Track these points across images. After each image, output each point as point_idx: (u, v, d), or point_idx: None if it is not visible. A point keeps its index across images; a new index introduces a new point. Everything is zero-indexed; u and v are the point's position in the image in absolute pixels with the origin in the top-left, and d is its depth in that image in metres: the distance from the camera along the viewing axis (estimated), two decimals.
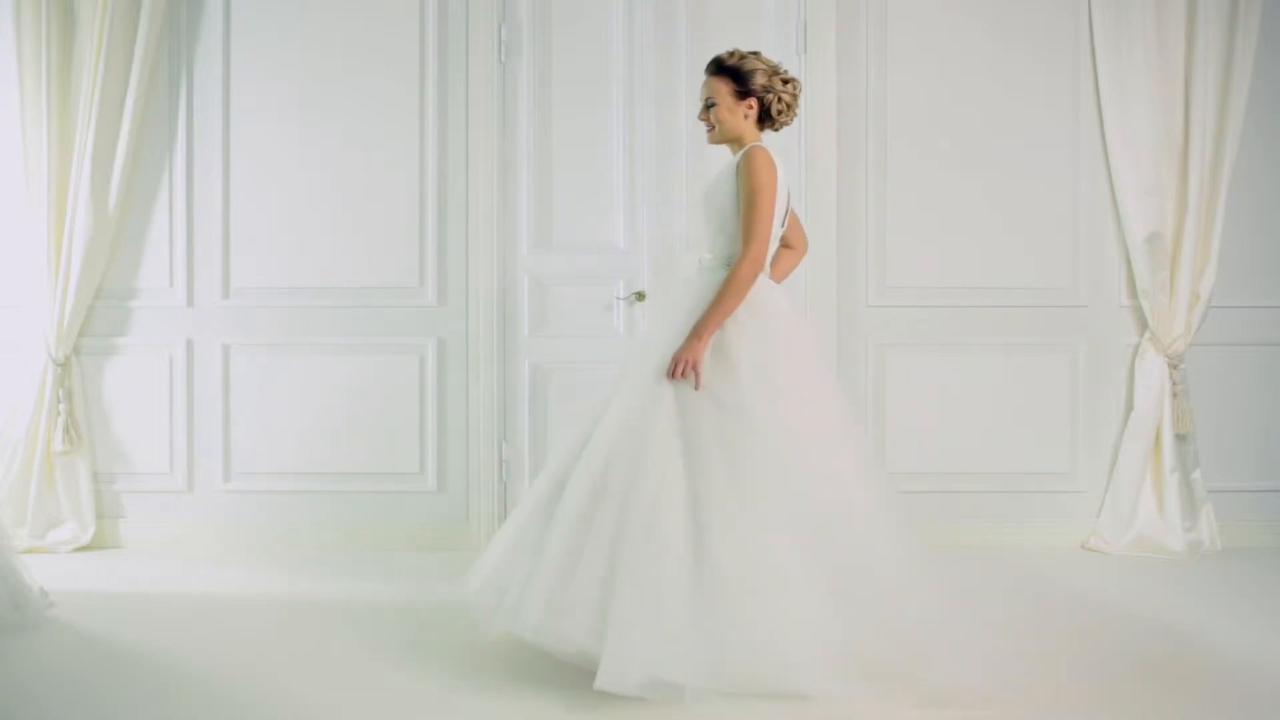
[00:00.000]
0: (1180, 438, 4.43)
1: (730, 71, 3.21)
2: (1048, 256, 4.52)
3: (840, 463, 3.02)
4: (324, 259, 4.50)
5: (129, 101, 4.37)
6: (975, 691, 2.73)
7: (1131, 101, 4.39)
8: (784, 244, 3.37)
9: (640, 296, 4.48)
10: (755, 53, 3.25)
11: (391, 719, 2.74)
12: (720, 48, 4.35)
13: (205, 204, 4.50)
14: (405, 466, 4.52)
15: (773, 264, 3.31)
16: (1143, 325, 4.49)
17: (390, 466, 4.52)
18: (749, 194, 3.08)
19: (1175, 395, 4.42)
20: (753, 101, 3.20)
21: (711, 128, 3.25)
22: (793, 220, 3.37)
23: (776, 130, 3.29)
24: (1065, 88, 4.50)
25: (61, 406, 4.40)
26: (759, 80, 3.19)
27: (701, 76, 3.11)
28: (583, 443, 3.07)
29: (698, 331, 3.02)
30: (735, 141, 3.24)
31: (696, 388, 2.98)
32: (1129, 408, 4.51)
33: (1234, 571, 4.14)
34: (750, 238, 3.07)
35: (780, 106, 3.21)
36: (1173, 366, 4.43)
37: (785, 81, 3.22)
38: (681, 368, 2.99)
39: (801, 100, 3.31)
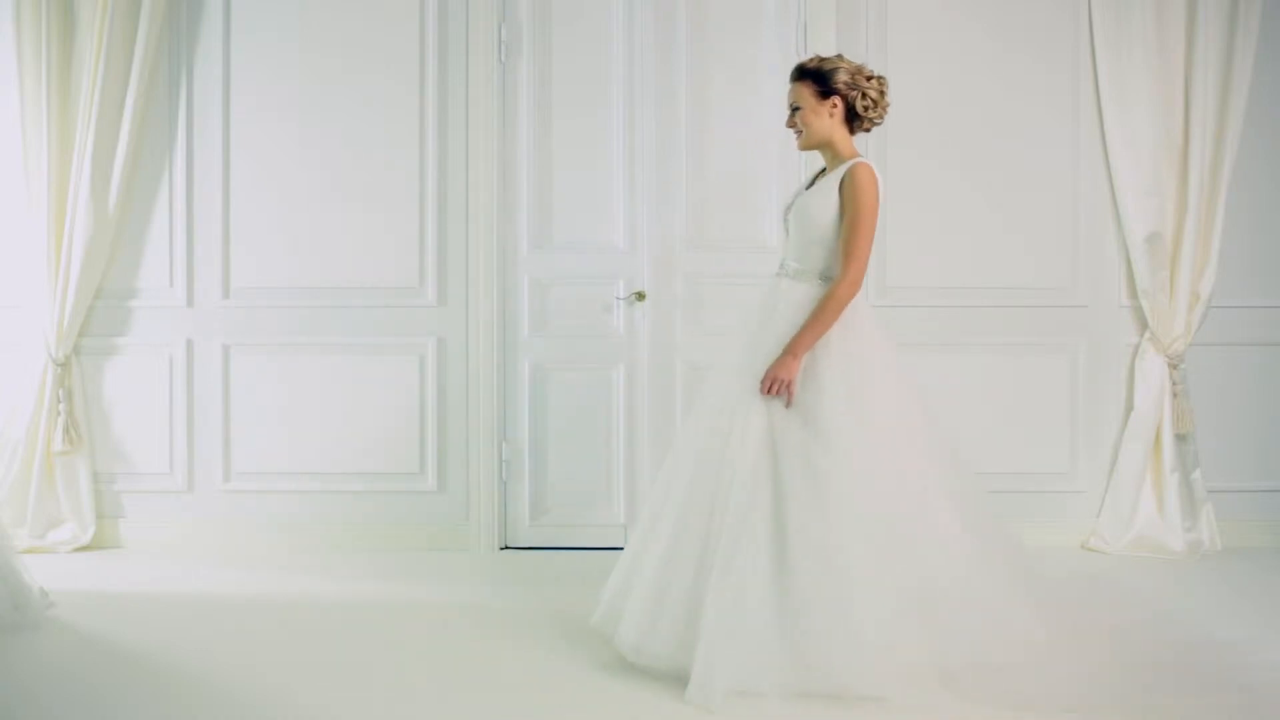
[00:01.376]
0: (1180, 438, 4.43)
1: (811, 74, 3.16)
2: (1048, 256, 4.52)
3: (925, 481, 3.01)
4: (324, 259, 4.50)
5: (129, 101, 4.37)
6: (1054, 703, 2.74)
7: (1131, 101, 4.39)
8: None
9: (640, 296, 4.48)
10: (838, 55, 3.21)
11: (391, 719, 2.74)
12: (720, 48, 4.38)
13: (205, 204, 4.50)
14: (405, 466, 4.52)
15: None
16: (1143, 325, 4.49)
17: (390, 466, 4.51)
18: (854, 215, 3.04)
19: (1175, 395, 4.42)
20: (836, 100, 3.15)
21: (800, 133, 3.21)
22: None
23: (868, 130, 3.23)
24: (1065, 88, 4.50)
25: (61, 406, 4.40)
26: (840, 78, 3.13)
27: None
28: (684, 460, 3.12)
29: (793, 349, 3.01)
30: (826, 146, 3.20)
31: (788, 405, 2.98)
32: (1129, 408, 4.51)
33: (1234, 571, 4.14)
34: (852, 259, 3.04)
35: (866, 102, 3.15)
36: (1173, 366, 4.43)
37: (869, 78, 3.16)
38: (776, 386, 2.99)
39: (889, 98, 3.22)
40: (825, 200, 3.10)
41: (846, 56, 3.23)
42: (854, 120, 3.19)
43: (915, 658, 2.78)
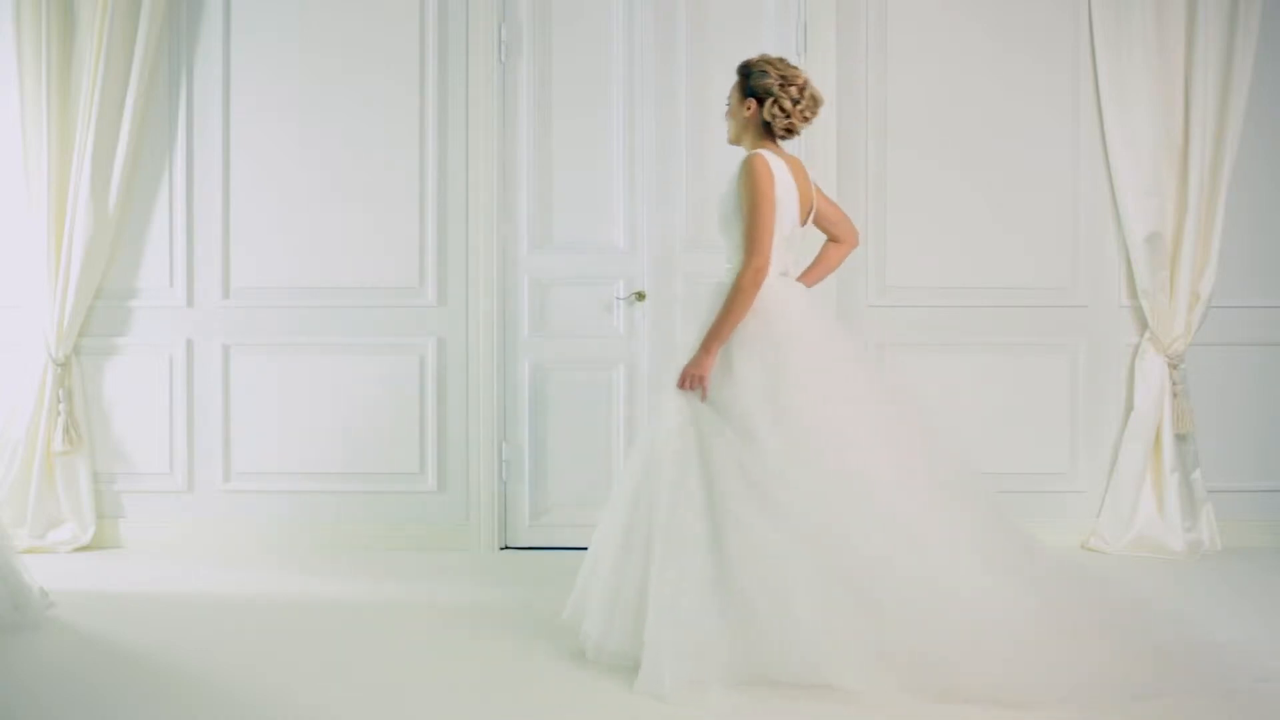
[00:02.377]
0: (1180, 438, 4.42)
1: (740, 72, 3.24)
2: (1048, 256, 4.52)
3: (872, 468, 2.98)
4: (324, 259, 4.50)
5: (129, 101, 4.37)
6: (1006, 695, 2.73)
7: (1131, 101, 4.39)
8: (831, 238, 3.40)
9: (640, 296, 4.48)
10: (779, 60, 3.21)
11: (390, 719, 2.74)
12: (720, 48, 4.38)
13: (205, 204, 4.50)
14: (405, 466, 4.52)
15: (818, 259, 3.40)
16: (1143, 325, 4.49)
17: (390, 466, 4.51)
18: (749, 204, 3.09)
19: (1175, 395, 4.42)
20: (750, 103, 3.19)
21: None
22: (834, 213, 3.37)
23: (785, 137, 3.23)
24: (1065, 88, 4.50)
25: (61, 406, 4.40)
26: (758, 82, 3.17)
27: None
28: (635, 458, 3.19)
29: (704, 343, 3.07)
30: (740, 143, 3.26)
31: (703, 399, 3.03)
32: (1129, 408, 4.51)
33: (1234, 571, 4.14)
34: (749, 248, 3.08)
35: (775, 110, 3.16)
36: (1173, 366, 4.43)
37: (794, 87, 3.16)
38: (689, 381, 3.05)
39: (817, 110, 3.21)
40: (725, 194, 3.19)
41: (791, 63, 3.21)
42: (769, 125, 3.20)
43: (854, 644, 2.78)
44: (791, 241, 3.21)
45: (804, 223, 3.25)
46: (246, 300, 4.52)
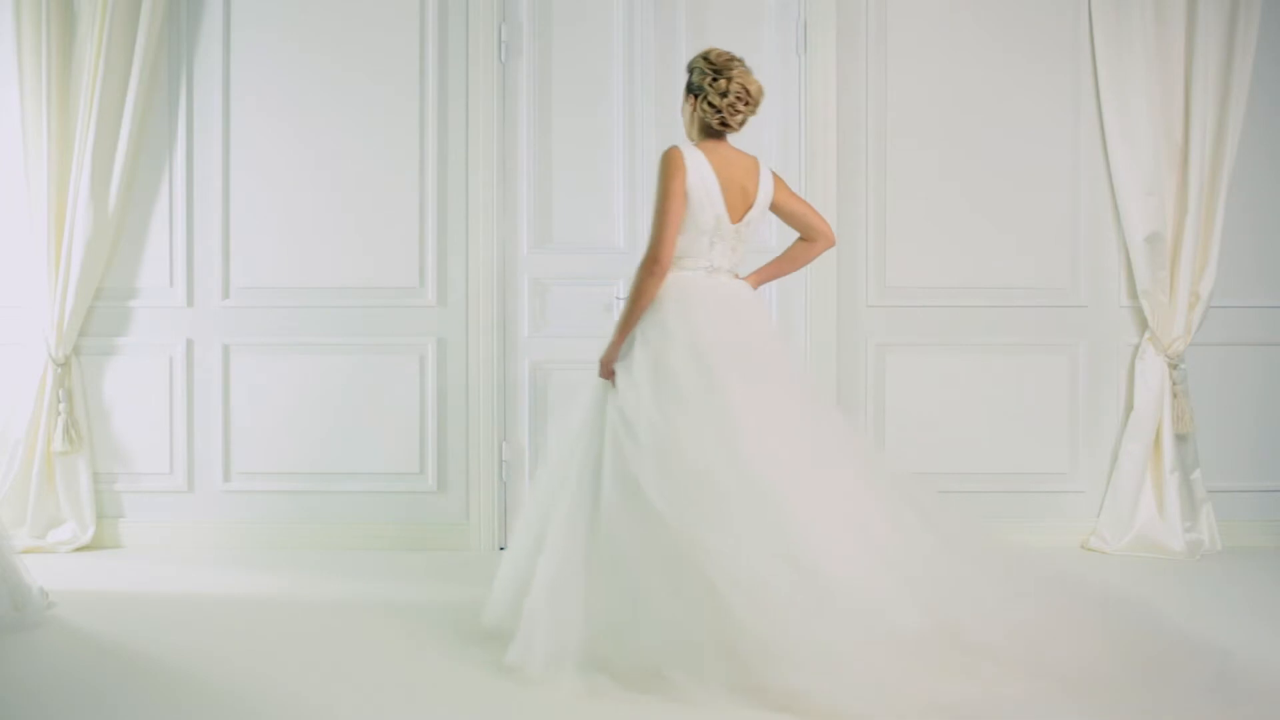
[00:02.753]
0: (1180, 438, 4.42)
1: (686, 67, 3.28)
2: (1047, 256, 4.52)
3: (739, 476, 2.92)
4: (324, 259, 4.50)
5: (129, 101, 4.37)
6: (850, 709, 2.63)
7: (1131, 101, 4.39)
8: (801, 237, 3.38)
9: None
10: (716, 53, 3.20)
11: (391, 718, 2.74)
12: (720, 48, 4.36)
13: (205, 204, 4.50)
14: (405, 466, 4.52)
15: (781, 256, 3.40)
16: (1143, 325, 4.49)
17: (390, 466, 4.52)
18: (655, 197, 3.14)
19: (1175, 395, 4.42)
20: (691, 99, 3.22)
21: None
22: (801, 210, 3.34)
23: (719, 131, 3.20)
24: (1065, 87, 4.50)
25: (61, 406, 4.40)
26: (692, 79, 3.20)
27: None
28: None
29: (614, 334, 3.19)
30: (690, 140, 3.27)
31: (615, 386, 3.14)
32: (1129, 408, 4.51)
33: (1234, 571, 4.14)
34: (650, 239, 3.14)
35: (704, 106, 3.16)
36: (1173, 366, 4.43)
37: (719, 81, 3.14)
38: (602, 370, 3.19)
39: (749, 103, 3.17)
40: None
41: (730, 55, 3.18)
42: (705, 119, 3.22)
43: (694, 641, 2.76)
44: (720, 237, 3.18)
45: (739, 220, 3.19)
46: (246, 300, 4.52)
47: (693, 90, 3.20)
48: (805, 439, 3.07)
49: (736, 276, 3.27)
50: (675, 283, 3.16)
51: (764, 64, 4.45)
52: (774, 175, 3.30)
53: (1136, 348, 4.51)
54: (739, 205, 3.20)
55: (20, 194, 4.39)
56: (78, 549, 4.40)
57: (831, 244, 3.42)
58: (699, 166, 3.13)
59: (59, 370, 4.41)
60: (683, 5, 4.48)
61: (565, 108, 4.50)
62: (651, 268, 3.11)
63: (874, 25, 4.49)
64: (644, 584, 2.86)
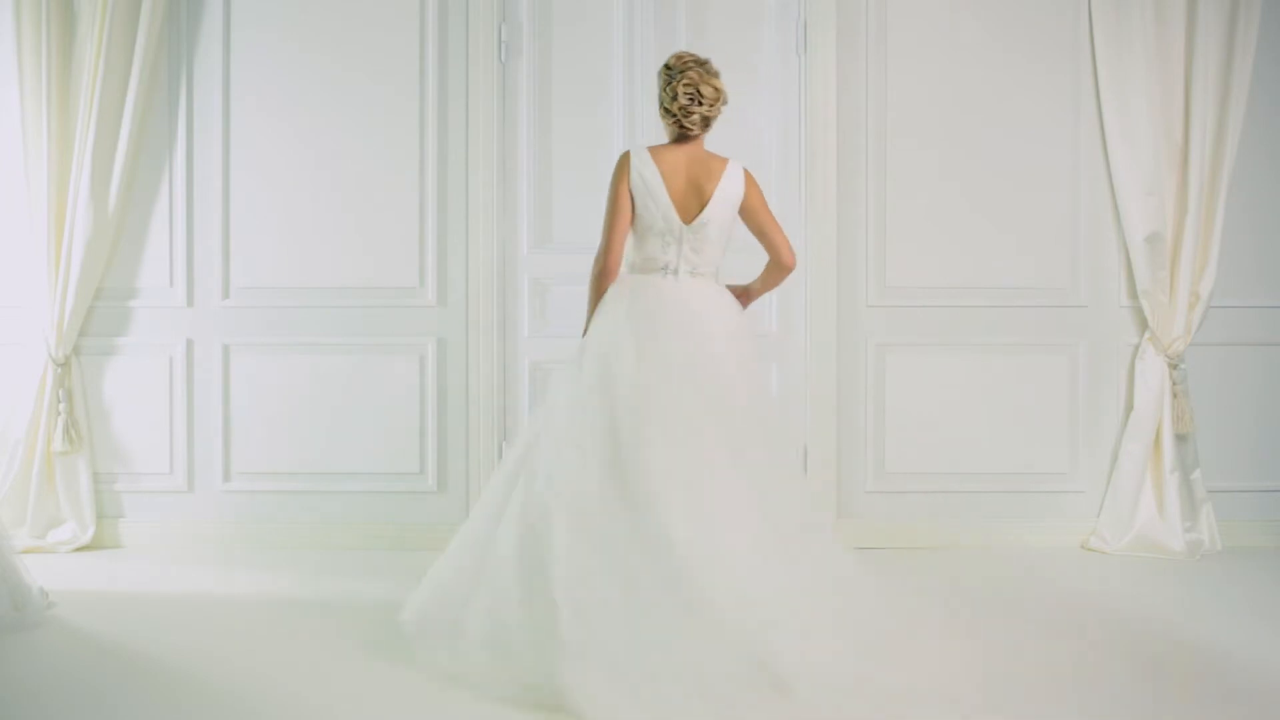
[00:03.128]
0: (1180, 438, 4.42)
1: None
2: (1047, 256, 4.52)
3: (655, 483, 2.92)
4: (324, 259, 4.50)
5: (129, 101, 4.37)
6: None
7: (1131, 101, 4.39)
8: (769, 259, 3.35)
9: None
10: (680, 56, 3.22)
11: (391, 718, 2.74)
12: (720, 48, 4.36)
13: (205, 204, 4.50)
14: (405, 466, 4.52)
15: (760, 277, 3.39)
16: (1143, 325, 4.49)
17: (390, 466, 4.52)
18: (606, 201, 3.24)
19: (1175, 395, 4.42)
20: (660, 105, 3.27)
21: None
22: (766, 227, 3.29)
23: (683, 129, 3.20)
24: (1065, 87, 4.50)
25: (61, 406, 4.40)
26: (660, 81, 3.24)
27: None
28: None
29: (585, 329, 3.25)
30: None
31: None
32: (1129, 408, 4.51)
33: (1234, 571, 4.14)
34: (601, 239, 3.22)
35: (662, 111, 3.24)
36: (1173, 366, 4.43)
37: (672, 84, 3.17)
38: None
39: (699, 102, 3.18)
40: None
41: (691, 57, 3.21)
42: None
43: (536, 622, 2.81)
44: (674, 239, 3.17)
45: (692, 220, 3.17)
46: (246, 300, 4.52)
47: (659, 96, 3.24)
48: (722, 498, 2.97)
49: (698, 276, 3.21)
50: (630, 288, 3.17)
51: (764, 64, 4.46)
52: (749, 180, 3.26)
53: (1136, 348, 4.51)
54: (692, 205, 3.19)
55: (20, 194, 4.39)
56: (78, 549, 4.40)
57: (788, 270, 3.33)
58: (643, 168, 3.18)
59: (59, 370, 4.41)
60: (683, 5, 4.48)
61: (565, 108, 4.50)
62: (595, 267, 3.22)
63: (874, 25, 4.49)
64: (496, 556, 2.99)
